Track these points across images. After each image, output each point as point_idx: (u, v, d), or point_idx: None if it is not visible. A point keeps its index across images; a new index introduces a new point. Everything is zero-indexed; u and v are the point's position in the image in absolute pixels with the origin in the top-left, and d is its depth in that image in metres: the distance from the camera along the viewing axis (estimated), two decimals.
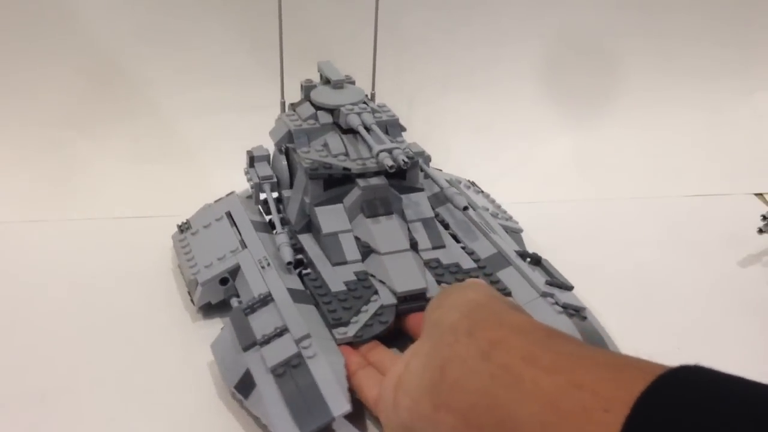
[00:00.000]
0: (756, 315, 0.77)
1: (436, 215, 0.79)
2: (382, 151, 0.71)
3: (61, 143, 1.04)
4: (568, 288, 0.70)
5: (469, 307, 0.50)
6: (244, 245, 0.76)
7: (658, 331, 0.74)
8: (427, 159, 0.82)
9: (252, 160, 0.83)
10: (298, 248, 0.74)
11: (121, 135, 1.06)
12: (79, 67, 1.04)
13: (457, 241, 0.78)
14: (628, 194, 1.02)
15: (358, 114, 0.76)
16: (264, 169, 0.82)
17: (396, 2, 1.05)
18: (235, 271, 0.74)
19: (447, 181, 0.86)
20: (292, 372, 0.60)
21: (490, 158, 0.95)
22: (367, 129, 0.75)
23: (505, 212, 0.89)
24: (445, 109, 1.09)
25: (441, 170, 0.93)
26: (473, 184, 0.93)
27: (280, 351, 0.61)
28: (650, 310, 0.78)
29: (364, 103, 0.80)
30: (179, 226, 0.85)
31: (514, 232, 0.83)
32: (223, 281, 0.74)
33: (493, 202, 0.90)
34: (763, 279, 0.83)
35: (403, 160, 0.70)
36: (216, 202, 0.86)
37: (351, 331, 0.65)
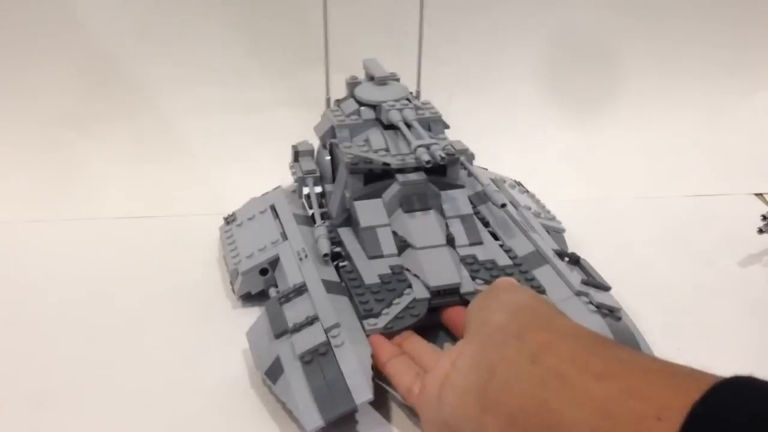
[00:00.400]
0: (756, 315, 0.77)
1: (477, 213, 0.79)
2: (420, 146, 0.71)
3: (61, 143, 1.04)
4: (606, 288, 0.70)
5: (516, 308, 0.50)
6: (284, 237, 0.78)
7: (658, 331, 0.74)
8: (470, 157, 0.82)
9: (297, 154, 0.84)
10: (336, 241, 0.76)
11: (121, 135, 1.06)
12: (80, 67, 1.04)
13: (496, 238, 0.78)
14: (628, 194, 1.02)
15: (400, 110, 0.77)
16: (308, 164, 0.83)
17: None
18: (275, 262, 0.76)
19: (491, 179, 0.86)
20: (319, 360, 0.61)
21: (490, 159, 0.95)
22: (409, 125, 0.76)
23: (548, 212, 0.88)
24: (450, 110, 1.08)
25: (486, 169, 0.93)
26: (519, 183, 0.93)
27: (309, 339, 0.63)
28: (650, 310, 0.77)
29: (408, 99, 0.80)
30: (225, 218, 0.87)
31: (556, 232, 0.83)
32: (263, 272, 0.76)
33: (537, 202, 0.90)
34: (763, 279, 0.83)
35: (440, 156, 0.71)
36: (262, 195, 0.88)
37: (381, 322, 0.66)
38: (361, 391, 0.59)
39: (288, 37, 1.07)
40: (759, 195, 1.02)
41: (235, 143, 1.06)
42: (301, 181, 0.82)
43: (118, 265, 0.85)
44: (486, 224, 0.80)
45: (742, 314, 0.77)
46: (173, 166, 1.04)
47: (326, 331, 0.63)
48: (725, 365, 0.73)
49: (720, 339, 0.73)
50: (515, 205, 0.83)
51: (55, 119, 1.04)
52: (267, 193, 0.88)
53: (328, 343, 0.62)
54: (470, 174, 0.81)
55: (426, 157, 0.71)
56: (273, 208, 0.84)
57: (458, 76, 1.10)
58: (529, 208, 0.84)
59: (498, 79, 1.12)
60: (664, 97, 1.12)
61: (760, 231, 0.85)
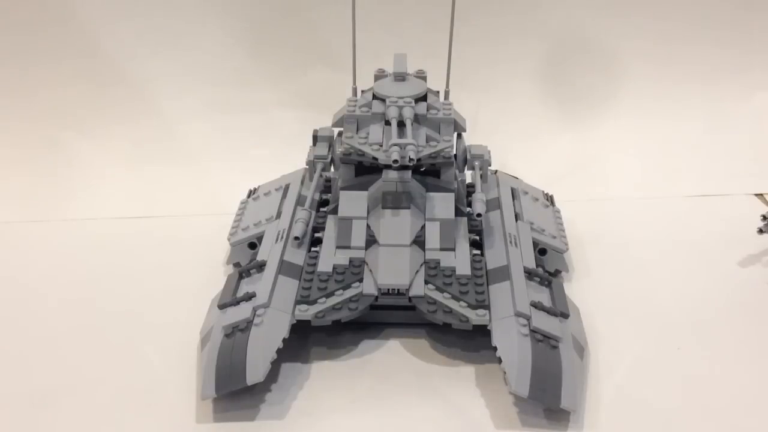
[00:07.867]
0: (756, 315, 0.77)
1: (479, 217, 0.75)
2: (394, 144, 0.70)
3: (61, 143, 1.04)
4: (564, 315, 0.68)
5: None
6: (278, 216, 0.81)
7: (658, 331, 0.74)
8: (485, 163, 0.79)
9: (315, 139, 0.84)
10: (323, 227, 0.77)
11: (121, 135, 1.06)
12: (80, 67, 1.04)
13: (481, 247, 0.78)
14: (628, 194, 1.02)
15: (400, 107, 0.75)
16: (321, 149, 0.82)
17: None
18: (263, 237, 0.79)
19: (512, 189, 0.86)
20: (237, 335, 0.64)
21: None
22: (403, 123, 0.74)
23: (561, 231, 0.84)
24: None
25: (518, 178, 0.93)
26: (548, 197, 0.91)
27: (237, 314, 0.66)
28: (650, 310, 0.78)
29: (423, 98, 0.78)
30: (250, 191, 0.91)
31: (556, 251, 0.81)
32: (252, 245, 0.80)
33: (556, 219, 0.86)
34: (763, 279, 0.83)
35: (410, 158, 0.69)
36: (291, 173, 0.91)
37: (313, 310, 0.68)
38: (255, 372, 0.61)
39: (288, 38, 1.07)
40: (759, 195, 1.02)
41: (235, 143, 1.06)
42: (311, 165, 0.82)
43: (118, 265, 0.85)
44: (479, 233, 0.80)
45: (742, 314, 0.77)
46: (173, 166, 1.04)
47: (254, 309, 0.66)
48: (725, 365, 0.73)
49: (720, 339, 0.73)
50: (519, 218, 0.82)
51: (55, 119, 1.04)
52: (296, 171, 0.91)
53: (250, 321, 0.65)
54: (483, 179, 0.79)
55: (395, 156, 0.69)
56: (287, 187, 0.86)
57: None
58: (531, 223, 0.82)
59: (497, 78, 1.12)
60: (665, 97, 1.12)
61: (760, 231, 0.85)
